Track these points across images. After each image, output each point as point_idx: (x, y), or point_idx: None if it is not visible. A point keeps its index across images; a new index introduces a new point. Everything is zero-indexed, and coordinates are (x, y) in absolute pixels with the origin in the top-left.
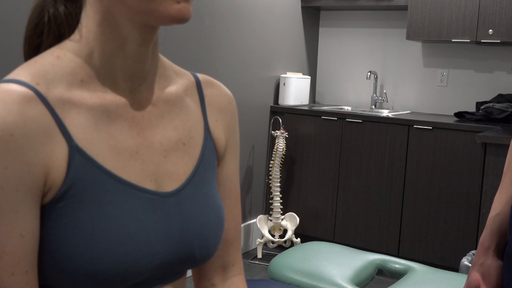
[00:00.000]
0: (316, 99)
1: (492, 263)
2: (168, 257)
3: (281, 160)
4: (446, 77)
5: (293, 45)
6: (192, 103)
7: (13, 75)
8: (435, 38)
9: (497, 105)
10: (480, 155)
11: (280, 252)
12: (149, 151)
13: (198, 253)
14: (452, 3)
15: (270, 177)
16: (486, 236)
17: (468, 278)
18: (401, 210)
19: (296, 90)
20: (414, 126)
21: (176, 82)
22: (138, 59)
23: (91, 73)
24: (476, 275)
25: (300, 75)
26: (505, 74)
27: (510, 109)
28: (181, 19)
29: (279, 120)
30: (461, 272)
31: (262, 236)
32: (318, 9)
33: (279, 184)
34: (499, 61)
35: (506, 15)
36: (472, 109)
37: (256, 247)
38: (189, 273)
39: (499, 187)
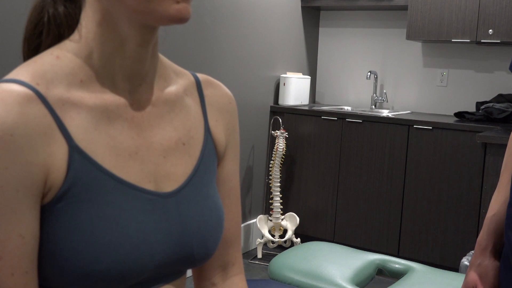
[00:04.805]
0: (316, 99)
1: (489, 263)
2: (167, 257)
3: (281, 160)
4: (446, 77)
5: (293, 45)
6: (192, 103)
7: (13, 75)
8: (435, 38)
9: (497, 105)
10: (480, 155)
11: (280, 252)
12: (149, 152)
13: (197, 253)
14: (452, 3)
15: (270, 177)
16: (483, 236)
17: (465, 278)
18: (401, 210)
19: (296, 90)
20: (414, 126)
21: (176, 82)
22: (138, 59)
23: (90, 73)
24: (473, 276)
25: (300, 75)
26: (505, 74)
27: (510, 109)
28: (181, 19)
29: (279, 120)
30: (461, 272)
31: (262, 236)
32: (318, 9)
33: (279, 184)
34: (499, 61)
35: (506, 15)
36: (472, 109)
37: (256, 247)
38: (189, 273)
39: (497, 187)
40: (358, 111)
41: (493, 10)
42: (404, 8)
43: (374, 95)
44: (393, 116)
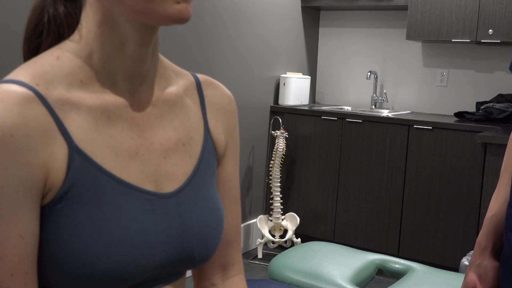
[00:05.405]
0: (316, 99)
1: (488, 263)
2: (167, 258)
3: (281, 160)
4: (446, 77)
5: (293, 45)
6: (192, 103)
7: (12, 75)
8: (435, 38)
9: (497, 105)
10: (480, 155)
11: (280, 252)
12: (149, 152)
13: (197, 254)
14: (452, 3)
15: (270, 177)
16: (483, 236)
17: (465, 278)
18: (401, 210)
19: (296, 90)
20: (414, 126)
21: (176, 82)
22: (138, 59)
23: (90, 73)
24: (473, 276)
25: (300, 75)
26: (505, 74)
27: (510, 109)
28: (181, 19)
29: (279, 120)
30: (461, 272)
31: (262, 236)
32: (318, 9)
33: (279, 184)
34: (499, 61)
35: (506, 15)
36: (472, 109)
37: (256, 247)
38: (189, 273)
39: (496, 187)
40: (358, 111)
41: (493, 10)
42: (404, 8)
43: (374, 95)
44: (393, 116)
